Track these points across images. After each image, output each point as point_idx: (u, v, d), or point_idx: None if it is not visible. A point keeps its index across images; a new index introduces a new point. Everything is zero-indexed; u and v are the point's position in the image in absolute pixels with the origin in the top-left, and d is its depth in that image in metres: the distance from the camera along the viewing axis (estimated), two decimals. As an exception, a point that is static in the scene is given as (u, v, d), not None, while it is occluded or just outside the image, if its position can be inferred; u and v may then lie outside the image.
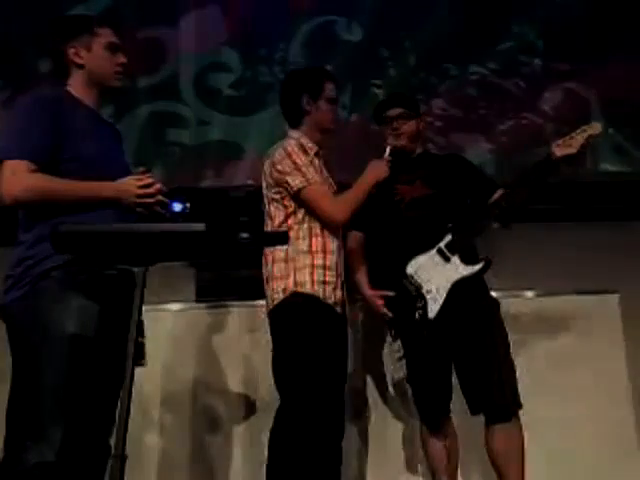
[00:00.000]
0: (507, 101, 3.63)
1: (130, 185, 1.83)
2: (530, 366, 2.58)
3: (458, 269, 2.28)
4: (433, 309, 2.25)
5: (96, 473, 1.76)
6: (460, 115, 3.63)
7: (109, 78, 1.97)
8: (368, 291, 2.43)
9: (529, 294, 2.96)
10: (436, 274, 2.27)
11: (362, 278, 2.46)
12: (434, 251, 2.31)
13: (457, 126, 3.61)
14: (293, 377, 2.14)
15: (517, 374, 2.28)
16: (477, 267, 2.28)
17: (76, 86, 1.95)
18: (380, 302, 2.36)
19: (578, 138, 2.22)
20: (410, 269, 2.31)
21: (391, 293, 2.34)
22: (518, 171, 2.45)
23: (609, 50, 3.61)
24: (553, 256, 3.18)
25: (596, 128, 2.24)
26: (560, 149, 2.23)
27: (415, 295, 2.27)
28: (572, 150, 2.21)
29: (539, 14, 3.67)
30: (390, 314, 2.34)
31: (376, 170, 2.30)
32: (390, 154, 2.36)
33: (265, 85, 3.51)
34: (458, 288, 2.26)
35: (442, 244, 2.30)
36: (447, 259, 2.29)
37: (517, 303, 2.83)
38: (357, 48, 3.67)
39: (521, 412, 2.26)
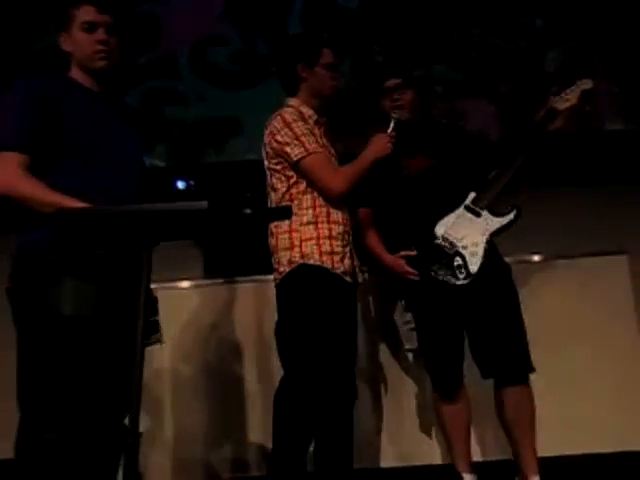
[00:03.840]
0: (509, 63, 3.57)
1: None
2: (541, 329, 2.57)
3: (492, 221, 2.28)
4: (475, 262, 2.24)
5: (111, 452, 1.79)
6: (462, 79, 3.58)
7: (91, 59, 1.91)
8: (387, 256, 2.39)
9: (536, 258, 2.95)
10: (470, 230, 2.28)
11: (378, 247, 2.43)
12: (461, 209, 2.30)
13: (460, 90, 3.56)
14: (298, 347, 2.16)
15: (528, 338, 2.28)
16: (511, 215, 2.28)
17: (75, 72, 1.96)
18: (403, 262, 2.34)
19: (573, 93, 2.26)
20: (440, 230, 2.29)
21: (412, 253, 2.32)
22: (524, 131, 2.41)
23: (611, 8, 3.53)
24: (556, 221, 3.17)
25: (588, 83, 2.28)
26: (560, 103, 2.23)
27: (452, 253, 2.26)
28: (572, 102, 2.24)
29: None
30: (417, 273, 2.32)
31: (379, 146, 2.26)
32: (394, 128, 2.31)
33: (263, 58, 3.46)
34: (491, 243, 2.27)
35: (468, 201, 2.30)
36: (477, 214, 2.29)
37: (524, 267, 2.81)
38: (355, 15, 3.61)
39: (533, 376, 2.27)
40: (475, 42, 3.57)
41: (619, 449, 2.73)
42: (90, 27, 1.90)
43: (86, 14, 1.90)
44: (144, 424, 2.38)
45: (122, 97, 2.08)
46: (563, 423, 2.68)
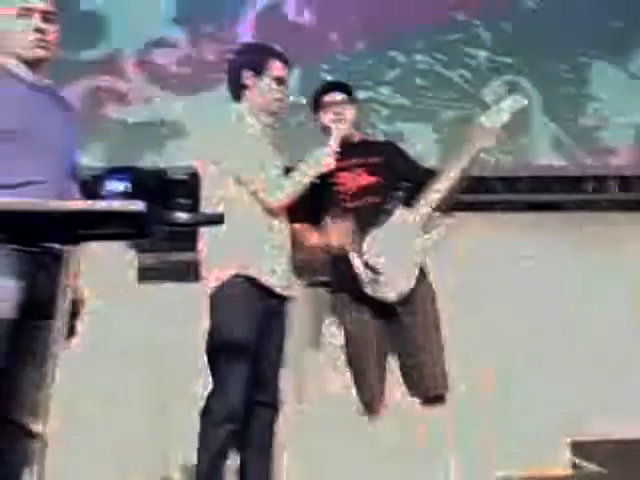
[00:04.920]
0: (452, 92, 3.68)
1: None
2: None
3: (424, 239, 2.31)
4: (405, 280, 2.26)
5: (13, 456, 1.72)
6: (406, 104, 3.65)
7: (26, 48, 1.82)
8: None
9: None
10: (401, 248, 2.29)
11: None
12: (393, 227, 2.31)
13: (403, 114, 3.64)
14: (225, 359, 2.14)
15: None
16: (438, 234, 2.31)
17: (12, 63, 1.86)
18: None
19: (502, 110, 2.30)
20: (371, 246, 2.30)
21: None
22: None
23: (552, 46, 3.70)
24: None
25: (521, 101, 2.33)
26: (488, 120, 2.28)
27: (382, 271, 2.27)
28: (504, 118, 2.29)
29: (487, 7, 3.73)
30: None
31: (321, 161, 2.26)
32: (336, 143, 2.32)
33: (211, 64, 3.44)
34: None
35: (400, 219, 2.32)
36: (409, 232, 2.30)
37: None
38: (306, 31, 3.64)
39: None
40: (419, 69, 3.66)
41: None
42: (24, 15, 1.81)
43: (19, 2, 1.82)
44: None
45: (56, 88, 1.99)
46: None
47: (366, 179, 2.42)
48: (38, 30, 1.82)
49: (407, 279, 2.27)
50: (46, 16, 1.84)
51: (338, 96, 2.46)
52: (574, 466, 2.97)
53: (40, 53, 1.84)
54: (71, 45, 3.31)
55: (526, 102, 2.35)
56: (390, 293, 2.27)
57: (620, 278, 3.42)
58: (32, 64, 1.86)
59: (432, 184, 2.32)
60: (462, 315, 2.82)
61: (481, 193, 3.29)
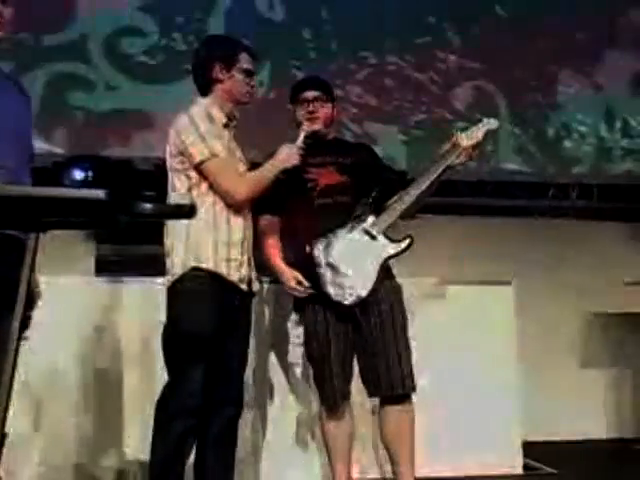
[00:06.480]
0: (421, 94, 3.71)
1: None
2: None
3: (386, 247, 2.32)
4: (365, 285, 2.27)
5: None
6: (375, 104, 3.67)
7: None
8: (283, 267, 2.36)
9: (428, 281, 3.05)
10: (364, 253, 2.30)
11: (275, 257, 2.40)
12: (358, 231, 2.32)
13: (372, 115, 3.65)
14: (182, 354, 2.10)
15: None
16: (404, 244, 2.33)
17: None
18: (295, 277, 2.32)
19: (479, 131, 2.36)
20: (335, 249, 2.30)
21: (306, 284, 2.30)
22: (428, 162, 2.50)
23: (520, 53, 3.76)
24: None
25: (493, 124, 2.40)
26: (465, 140, 2.33)
27: (343, 274, 2.27)
28: (477, 139, 2.34)
29: (457, 11, 3.77)
30: (303, 290, 2.31)
31: (286, 156, 2.24)
32: (304, 139, 2.32)
33: (180, 54, 3.39)
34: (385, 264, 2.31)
35: (366, 225, 2.33)
36: (374, 238, 2.32)
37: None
38: (278, 27, 3.62)
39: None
40: (390, 70, 3.68)
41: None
42: None
43: None
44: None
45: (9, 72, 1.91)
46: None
47: (336, 178, 2.42)
48: None
49: (364, 285, 2.29)
50: None
51: (311, 93, 2.45)
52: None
53: None
54: (36, 29, 3.24)
55: (497, 125, 2.43)
56: (348, 297, 2.28)
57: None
58: None
59: (400, 194, 2.36)
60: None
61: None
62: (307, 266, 2.32)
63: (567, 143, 3.83)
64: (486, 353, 2.99)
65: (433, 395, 2.70)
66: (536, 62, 3.80)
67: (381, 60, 3.68)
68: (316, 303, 2.33)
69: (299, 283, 2.32)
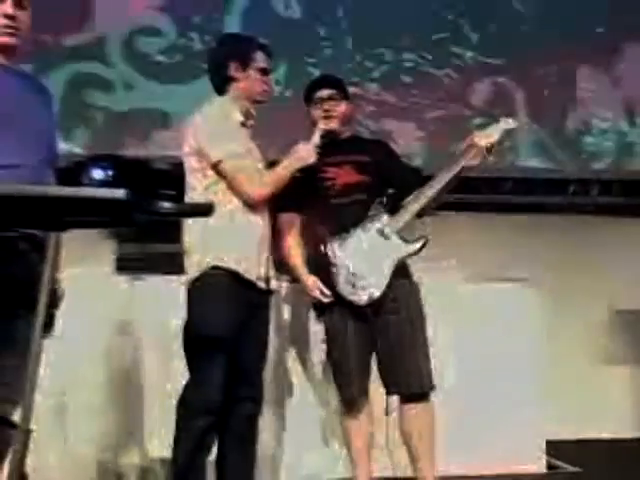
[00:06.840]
0: (438, 91, 3.68)
1: None
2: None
3: (400, 247, 2.31)
4: (378, 285, 2.26)
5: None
6: (392, 101, 3.65)
7: None
8: (303, 272, 2.38)
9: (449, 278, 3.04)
10: (378, 253, 2.30)
11: (298, 261, 2.41)
12: (373, 231, 2.32)
13: (389, 112, 3.63)
14: (202, 352, 2.11)
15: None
16: (418, 245, 2.32)
17: None
18: (316, 283, 2.33)
19: (496, 131, 2.33)
20: (349, 249, 2.30)
21: (327, 293, 2.31)
22: (446, 160, 2.48)
23: (539, 48, 3.72)
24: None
25: (510, 123, 2.37)
26: (482, 139, 2.31)
27: (357, 274, 2.28)
28: (494, 139, 2.31)
29: (475, 7, 3.73)
30: (326, 300, 2.32)
31: (303, 154, 2.25)
32: (320, 138, 2.31)
33: (197, 54, 3.40)
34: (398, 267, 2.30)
35: (381, 224, 2.32)
36: (387, 238, 2.32)
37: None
38: (294, 25, 3.62)
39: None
40: (407, 67, 3.66)
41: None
42: None
43: None
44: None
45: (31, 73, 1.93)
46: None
47: (354, 177, 2.41)
48: (7, 16, 1.76)
49: (377, 285, 2.28)
50: (18, 2, 1.78)
51: (326, 92, 2.45)
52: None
53: (6, 40, 1.77)
54: (55, 30, 3.27)
55: (515, 124, 2.40)
56: (362, 296, 2.28)
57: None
58: (3, 48, 1.80)
59: (416, 194, 2.34)
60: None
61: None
62: (322, 265, 2.32)
63: (587, 139, 3.78)
64: (509, 351, 2.97)
65: (456, 393, 2.69)
66: (554, 57, 3.76)
67: (398, 57, 3.66)
68: (335, 303, 2.33)
69: (321, 291, 2.32)
